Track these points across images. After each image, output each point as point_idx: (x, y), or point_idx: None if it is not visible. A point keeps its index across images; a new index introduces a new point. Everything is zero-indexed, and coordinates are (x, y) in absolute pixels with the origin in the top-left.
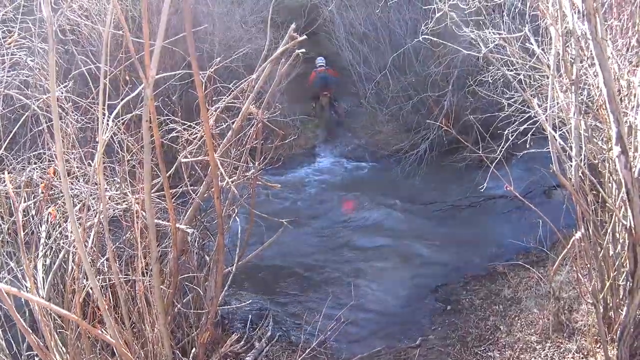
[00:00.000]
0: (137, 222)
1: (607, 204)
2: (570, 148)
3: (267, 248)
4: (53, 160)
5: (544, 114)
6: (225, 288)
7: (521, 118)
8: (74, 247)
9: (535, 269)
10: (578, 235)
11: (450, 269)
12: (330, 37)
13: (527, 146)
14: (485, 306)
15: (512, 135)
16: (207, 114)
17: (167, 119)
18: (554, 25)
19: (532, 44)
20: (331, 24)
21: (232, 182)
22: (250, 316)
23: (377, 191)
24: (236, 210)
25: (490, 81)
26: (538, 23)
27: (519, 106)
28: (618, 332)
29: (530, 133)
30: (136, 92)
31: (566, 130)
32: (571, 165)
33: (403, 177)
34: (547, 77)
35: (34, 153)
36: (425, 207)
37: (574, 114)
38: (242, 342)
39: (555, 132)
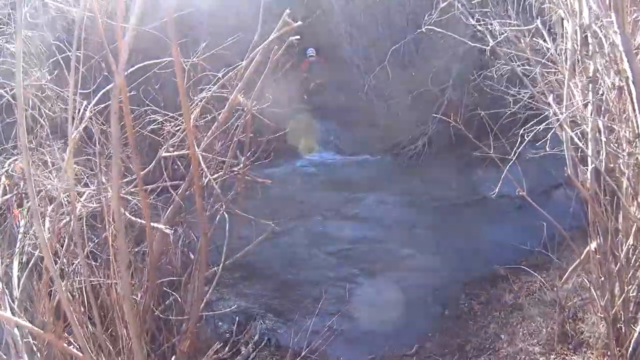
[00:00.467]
0: (110, 221)
1: (626, 213)
2: (585, 151)
3: (257, 246)
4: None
5: (560, 115)
6: (210, 290)
7: (527, 114)
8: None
9: (538, 273)
10: (593, 246)
11: (449, 271)
12: (329, 27)
13: (547, 148)
14: (486, 312)
15: (527, 136)
16: (189, 105)
17: (149, 109)
18: (570, 19)
19: (544, 38)
20: (330, 14)
21: (217, 178)
22: (237, 318)
23: (373, 187)
24: (223, 207)
25: (495, 76)
26: (546, 17)
27: (529, 101)
28: (630, 348)
29: (550, 134)
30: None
31: (579, 132)
32: (586, 169)
33: (400, 172)
34: (557, 74)
35: (11, 145)
36: (423, 205)
37: (592, 114)
38: (228, 347)
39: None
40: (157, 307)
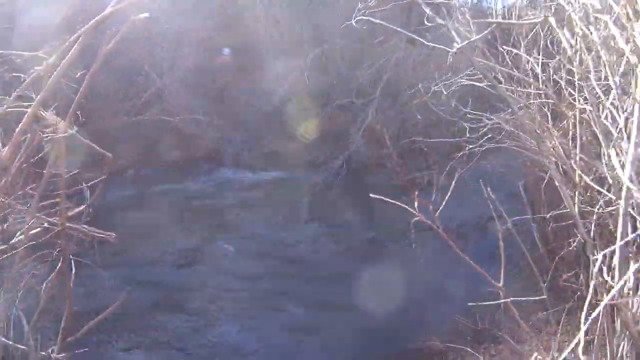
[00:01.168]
0: None
1: None
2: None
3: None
4: None
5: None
6: None
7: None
8: None
9: (483, 350)
10: None
11: (367, 342)
12: (250, 27)
13: None
14: None
15: None
16: None
17: None
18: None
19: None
20: (252, 11)
21: None
22: None
23: (274, 214)
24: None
25: (445, 92)
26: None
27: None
28: None
29: None
30: None
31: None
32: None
33: (312, 195)
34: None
35: None
36: (335, 240)
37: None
38: None
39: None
40: None
